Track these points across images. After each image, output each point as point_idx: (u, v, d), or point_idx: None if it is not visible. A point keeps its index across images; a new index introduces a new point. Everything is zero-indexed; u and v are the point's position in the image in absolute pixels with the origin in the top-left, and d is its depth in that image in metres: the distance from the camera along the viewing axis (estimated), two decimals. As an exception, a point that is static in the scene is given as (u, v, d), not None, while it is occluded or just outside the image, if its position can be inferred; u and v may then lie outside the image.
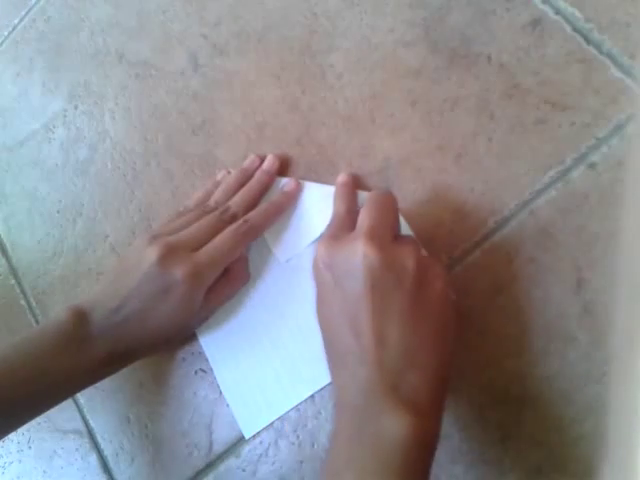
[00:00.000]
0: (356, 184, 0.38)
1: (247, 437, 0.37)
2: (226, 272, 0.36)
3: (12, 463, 0.45)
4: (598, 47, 0.34)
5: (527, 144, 0.35)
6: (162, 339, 0.37)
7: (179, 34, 0.46)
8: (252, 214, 0.37)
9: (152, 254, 0.34)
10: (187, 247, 0.35)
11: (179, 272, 0.33)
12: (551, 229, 0.33)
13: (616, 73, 0.34)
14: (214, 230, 0.36)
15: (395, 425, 0.25)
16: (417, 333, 0.28)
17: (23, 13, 0.54)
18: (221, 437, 0.38)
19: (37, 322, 0.46)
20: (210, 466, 0.38)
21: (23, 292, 0.47)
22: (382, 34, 0.40)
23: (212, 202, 0.39)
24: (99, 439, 0.42)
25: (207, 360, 0.39)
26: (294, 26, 0.42)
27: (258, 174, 0.40)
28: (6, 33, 0.54)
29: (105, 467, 0.41)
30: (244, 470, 0.37)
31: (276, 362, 0.37)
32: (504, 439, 0.32)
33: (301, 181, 0.39)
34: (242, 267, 0.38)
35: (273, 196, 0.39)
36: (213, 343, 0.39)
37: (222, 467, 0.38)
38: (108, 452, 0.41)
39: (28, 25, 0.53)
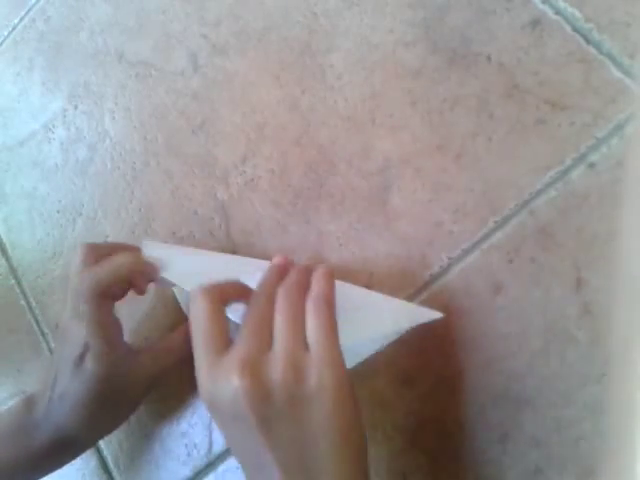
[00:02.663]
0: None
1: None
2: (166, 339, 0.36)
3: (12, 463, 0.45)
4: (598, 47, 0.34)
5: (527, 144, 0.35)
6: (96, 418, 0.34)
7: (179, 34, 0.46)
8: None
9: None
10: None
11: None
12: (551, 229, 0.33)
13: (616, 73, 0.34)
14: None
15: None
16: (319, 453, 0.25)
17: (23, 13, 0.54)
18: (221, 437, 0.38)
19: (37, 322, 0.46)
20: (209, 466, 0.38)
21: (23, 292, 0.47)
22: (382, 34, 0.40)
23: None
24: (99, 439, 0.42)
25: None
26: (294, 26, 0.42)
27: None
28: (6, 33, 0.54)
29: (105, 467, 0.41)
30: (244, 470, 0.37)
31: None
32: (504, 439, 0.32)
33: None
34: (182, 340, 0.35)
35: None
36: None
37: (221, 467, 0.38)
38: (108, 452, 0.41)
39: (28, 25, 0.53)
